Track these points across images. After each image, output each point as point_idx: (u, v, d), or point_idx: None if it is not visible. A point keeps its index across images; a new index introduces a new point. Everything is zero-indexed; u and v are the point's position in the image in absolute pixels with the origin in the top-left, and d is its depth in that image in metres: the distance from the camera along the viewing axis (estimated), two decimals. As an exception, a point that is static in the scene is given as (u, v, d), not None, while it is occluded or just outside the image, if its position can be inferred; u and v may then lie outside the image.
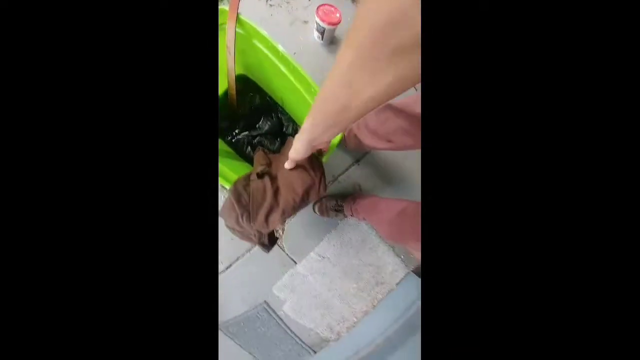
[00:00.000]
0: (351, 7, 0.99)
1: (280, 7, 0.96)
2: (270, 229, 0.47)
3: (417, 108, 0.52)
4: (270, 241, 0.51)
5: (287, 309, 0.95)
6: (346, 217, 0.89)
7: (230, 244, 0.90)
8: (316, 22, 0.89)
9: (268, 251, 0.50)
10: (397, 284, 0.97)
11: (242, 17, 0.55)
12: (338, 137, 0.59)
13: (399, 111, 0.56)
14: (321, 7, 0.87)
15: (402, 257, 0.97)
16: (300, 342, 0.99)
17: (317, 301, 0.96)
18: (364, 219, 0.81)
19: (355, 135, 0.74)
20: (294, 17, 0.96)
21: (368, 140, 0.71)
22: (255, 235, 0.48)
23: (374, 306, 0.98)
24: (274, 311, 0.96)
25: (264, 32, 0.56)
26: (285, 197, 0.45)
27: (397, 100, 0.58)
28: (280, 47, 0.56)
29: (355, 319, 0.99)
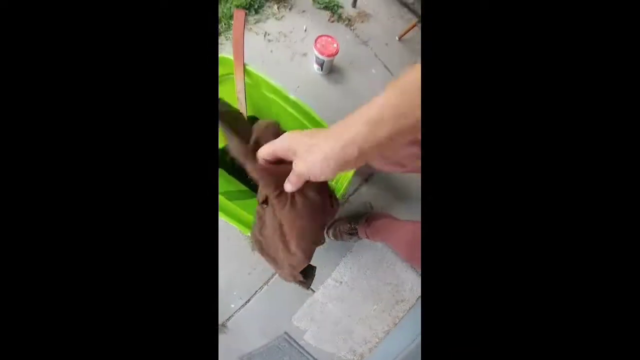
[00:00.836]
0: (347, 32, 1.04)
1: (279, 41, 1.00)
2: (298, 262, 0.39)
3: (405, 160, 0.55)
4: (306, 274, 0.43)
5: (308, 338, 0.94)
6: (360, 239, 0.90)
7: (247, 279, 0.90)
8: (315, 55, 0.93)
9: (308, 287, 0.46)
10: (417, 299, 0.98)
11: (248, 67, 0.58)
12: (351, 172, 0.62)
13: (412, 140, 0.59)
14: (319, 40, 0.91)
15: (420, 272, 0.98)
16: (323, 369, 0.97)
17: (338, 328, 0.95)
18: (380, 240, 0.83)
19: None
20: (293, 51, 1.00)
21: (377, 163, 0.74)
22: (289, 273, 0.41)
23: (395, 324, 0.98)
24: (295, 341, 0.95)
25: (272, 82, 0.59)
26: (290, 225, 0.37)
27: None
28: (290, 95, 0.60)
29: (377, 340, 0.98)
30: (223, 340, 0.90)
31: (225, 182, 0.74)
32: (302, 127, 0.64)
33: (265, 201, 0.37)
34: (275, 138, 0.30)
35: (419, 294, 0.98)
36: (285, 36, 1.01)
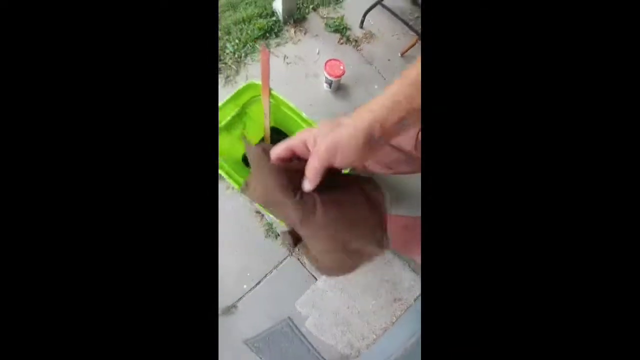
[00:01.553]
0: (354, 53, 1.20)
1: (296, 64, 1.19)
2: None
3: (409, 146, 0.67)
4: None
5: (309, 325, 1.02)
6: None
7: (258, 262, 1.02)
8: (325, 76, 1.09)
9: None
10: (415, 299, 1.00)
11: (272, 91, 0.78)
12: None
13: (394, 147, 0.73)
14: (328, 63, 1.08)
15: (417, 271, 1.01)
16: (321, 359, 1.02)
17: (337, 318, 1.01)
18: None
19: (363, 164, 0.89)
20: (307, 72, 1.18)
21: (372, 166, 0.84)
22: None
23: (393, 323, 1.00)
24: (297, 327, 1.02)
25: (289, 102, 0.79)
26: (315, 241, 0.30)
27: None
28: (302, 114, 0.79)
29: (374, 336, 1.01)
30: (232, 320, 1.02)
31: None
32: None
33: (294, 239, 0.31)
34: None
35: (417, 293, 1.00)
36: (301, 59, 1.19)
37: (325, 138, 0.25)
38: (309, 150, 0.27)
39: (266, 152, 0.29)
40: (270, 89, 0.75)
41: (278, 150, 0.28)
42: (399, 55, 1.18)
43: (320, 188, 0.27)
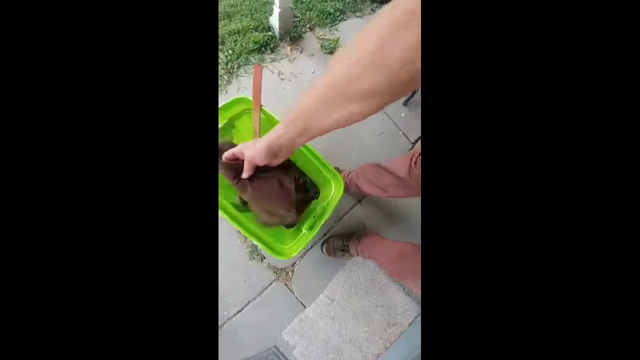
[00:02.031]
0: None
1: (290, 80, 1.18)
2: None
3: (402, 173, 0.68)
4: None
5: (296, 354, 0.94)
6: (352, 256, 0.95)
7: (243, 286, 0.94)
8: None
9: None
10: (410, 324, 0.97)
11: (264, 108, 0.74)
12: (342, 190, 0.73)
13: (388, 171, 0.74)
14: (323, 80, 1.08)
15: (413, 295, 0.99)
16: (310, 393, 0.94)
17: (328, 346, 0.95)
18: (369, 257, 0.87)
19: (356, 184, 0.87)
20: (302, 88, 1.17)
21: (366, 188, 0.83)
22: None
23: (386, 348, 0.96)
24: (283, 355, 0.94)
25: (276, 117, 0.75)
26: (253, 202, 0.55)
27: (386, 163, 0.76)
28: None
29: (367, 366, 0.95)
30: (213, 350, 0.92)
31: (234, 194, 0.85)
32: (307, 159, 0.78)
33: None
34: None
35: (411, 318, 0.97)
36: (295, 76, 1.18)
37: (247, 150, 0.41)
38: (243, 155, 0.43)
39: (221, 153, 0.47)
40: (261, 105, 0.73)
41: (227, 154, 0.46)
42: None
43: (252, 177, 0.48)
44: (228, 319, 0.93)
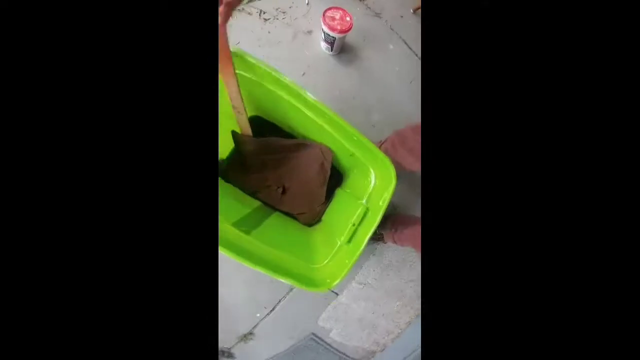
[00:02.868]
0: (358, 4, 0.87)
1: (277, 19, 0.84)
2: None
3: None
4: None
5: (334, 335, 0.96)
6: (386, 243, 0.86)
7: (270, 289, 0.87)
8: (324, 32, 0.78)
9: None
10: (438, 293, 0.99)
11: (248, 58, 0.48)
12: (393, 182, 0.53)
13: None
14: (327, 13, 0.75)
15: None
16: (348, 358, 1.02)
17: (363, 323, 0.97)
18: (409, 245, 0.79)
19: (393, 158, 0.68)
20: (295, 30, 0.84)
21: (407, 160, 0.65)
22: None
23: (417, 316, 1.00)
24: (321, 339, 0.96)
25: (276, 72, 0.48)
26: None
27: None
28: (307, 93, 0.50)
29: (399, 330, 1.01)
30: (251, 346, 0.92)
31: (237, 206, 0.66)
32: (315, 123, 0.55)
33: None
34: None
35: (442, 286, 0.99)
36: (284, 13, 0.84)
37: None
38: None
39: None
40: (235, 74, 0.48)
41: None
42: (411, 11, 0.89)
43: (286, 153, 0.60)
44: (262, 319, 0.90)
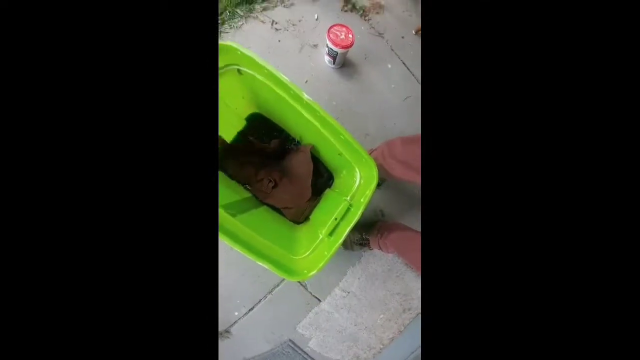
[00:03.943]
0: (361, 23, 0.95)
1: (287, 30, 0.91)
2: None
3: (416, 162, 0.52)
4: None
5: (313, 345, 0.93)
6: (372, 249, 0.87)
7: (250, 287, 0.86)
8: (328, 47, 0.84)
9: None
10: (423, 309, 0.97)
11: (258, 60, 0.52)
12: (374, 181, 0.56)
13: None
14: (332, 29, 0.82)
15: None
16: (326, 374, 0.97)
17: (344, 335, 0.94)
18: (394, 252, 0.79)
19: (382, 166, 0.71)
20: (303, 42, 0.91)
21: (397, 171, 0.67)
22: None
23: (401, 332, 0.97)
24: (299, 347, 0.93)
25: (280, 75, 0.52)
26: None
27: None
28: (303, 93, 0.54)
29: (381, 346, 0.97)
30: (227, 345, 0.89)
31: (228, 192, 0.68)
32: (312, 127, 0.57)
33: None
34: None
35: (427, 303, 0.97)
36: (293, 25, 0.91)
37: None
38: None
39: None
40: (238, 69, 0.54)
41: None
42: (413, 32, 0.97)
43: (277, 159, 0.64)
44: (240, 318, 0.88)
